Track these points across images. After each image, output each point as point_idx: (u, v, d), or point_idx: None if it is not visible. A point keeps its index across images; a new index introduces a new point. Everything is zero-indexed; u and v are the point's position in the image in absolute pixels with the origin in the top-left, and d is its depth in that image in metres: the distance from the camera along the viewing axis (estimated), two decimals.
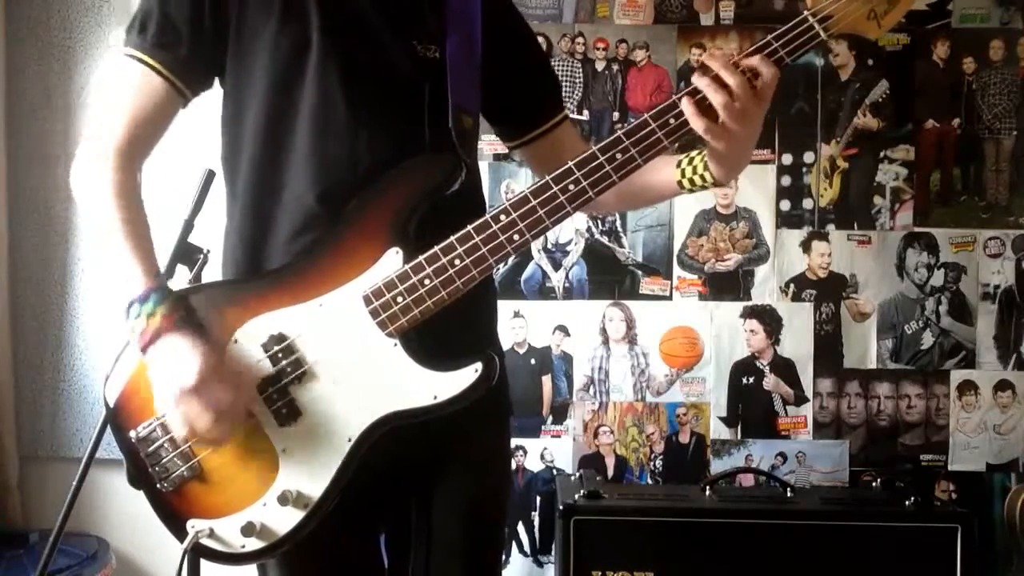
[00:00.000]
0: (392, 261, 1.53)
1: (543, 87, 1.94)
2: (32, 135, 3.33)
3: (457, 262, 1.52)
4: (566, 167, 1.52)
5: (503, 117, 1.91)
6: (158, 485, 1.54)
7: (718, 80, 1.47)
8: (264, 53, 1.59)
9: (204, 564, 1.63)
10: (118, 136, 1.57)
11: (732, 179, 1.64)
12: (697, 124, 1.49)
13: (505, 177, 3.31)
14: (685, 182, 1.69)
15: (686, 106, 1.49)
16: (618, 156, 1.51)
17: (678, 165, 1.69)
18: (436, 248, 1.52)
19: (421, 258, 1.52)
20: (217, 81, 1.68)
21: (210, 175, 2.15)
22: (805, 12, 1.49)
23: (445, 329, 1.56)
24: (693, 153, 1.67)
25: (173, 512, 1.55)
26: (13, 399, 3.32)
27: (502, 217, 1.52)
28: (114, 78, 1.63)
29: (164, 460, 1.54)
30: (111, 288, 3.17)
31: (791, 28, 1.49)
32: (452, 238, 1.52)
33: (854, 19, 1.50)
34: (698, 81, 1.48)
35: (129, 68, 1.60)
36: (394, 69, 1.64)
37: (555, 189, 1.52)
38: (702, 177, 1.66)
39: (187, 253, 2.11)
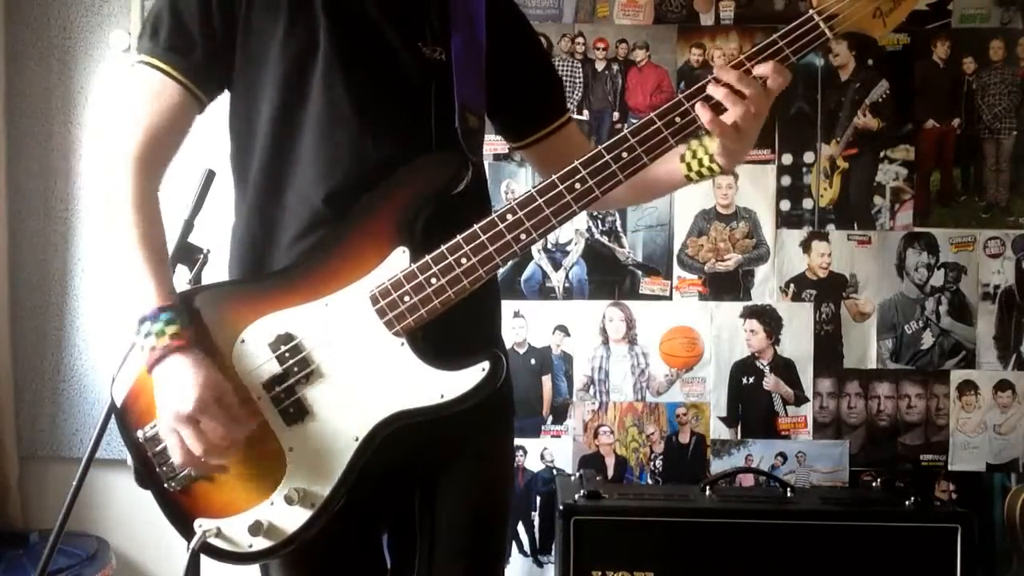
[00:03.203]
0: (399, 261, 1.53)
1: (547, 89, 1.95)
2: (32, 135, 3.33)
3: (464, 261, 1.52)
4: (572, 166, 1.52)
5: (507, 118, 1.91)
6: (165, 484, 1.55)
7: (735, 91, 1.48)
8: (271, 55, 1.60)
9: (204, 563, 1.62)
10: (136, 144, 1.56)
11: (737, 165, 1.67)
12: (713, 128, 1.51)
13: (505, 177, 3.31)
14: (693, 175, 1.70)
15: (702, 112, 1.50)
16: (624, 155, 1.52)
17: (682, 159, 1.70)
18: (443, 248, 1.52)
19: (428, 258, 1.52)
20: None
21: (210, 175, 2.15)
22: (811, 11, 1.50)
23: (451, 328, 1.56)
24: (694, 145, 1.67)
25: (180, 511, 1.56)
26: (13, 399, 3.32)
27: (508, 216, 1.52)
28: (129, 86, 1.62)
29: (172, 459, 1.53)
30: (111, 288, 3.18)
31: (797, 27, 1.50)
32: (459, 237, 1.52)
33: (860, 18, 1.51)
34: (715, 91, 1.49)
35: (144, 75, 1.59)
36: (400, 71, 1.64)
37: (561, 188, 1.52)
38: (709, 168, 1.67)
39: (187, 253, 2.10)
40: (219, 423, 1.46)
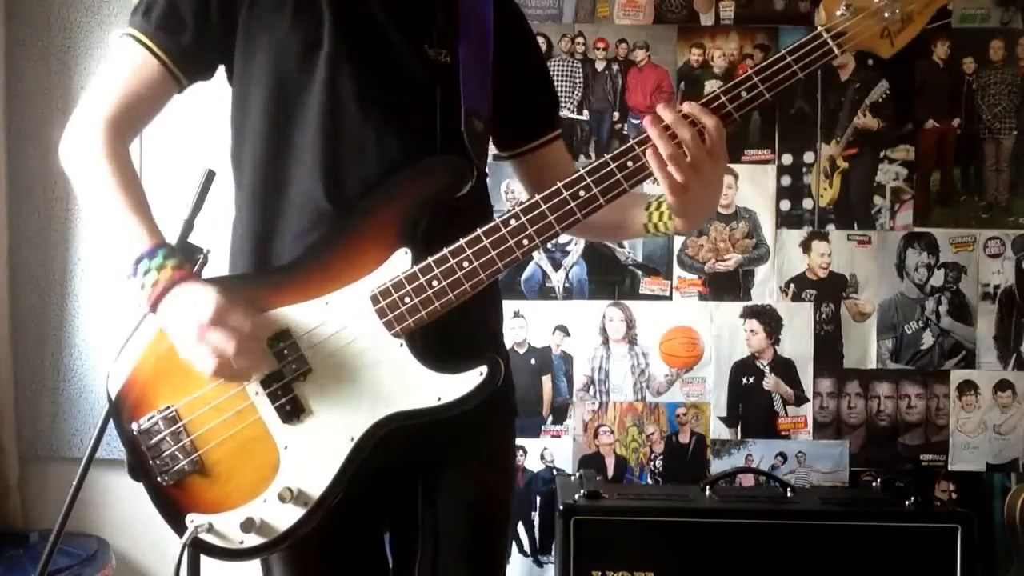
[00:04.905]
0: (400, 262, 1.53)
1: (544, 100, 1.96)
2: (32, 136, 3.33)
3: (466, 264, 1.52)
4: (577, 174, 1.53)
5: (502, 125, 1.91)
6: (158, 478, 1.54)
7: (669, 132, 1.49)
8: (274, 51, 1.60)
9: (205, 561, 1.62)
10: (109, 111, 1.58)
11: (692, 231, 1.68)
12: (660, 175, 1.51)
13: (505, 177, 3.30)
14: (651, 226, 1.74)
15: (650, 155, 1.50)
16: (629, 164, 1.52)
17: (647, 208, 1.74)
18: (445, 250, 1.52)
19: (430, 259, 1.52)
20: (226, 77, 1.69)
21: (210, 175, 2.15)
22: (819, 28, 1.51)
23: (451, 331, 1.56)
24: (661, 197, 1.68)
25: (172, 506, 1.55)
26: (13, 399, 3.32)
27: (512, 221, 1.52)
28: (113, 56, 1.64)
29: (165, 453, 1.54)
30: (111, 288, 3.18)
31: (805, 43, 1.51)
32: (462, 240, 1.52)
33: (867, 37, 1.52)
34: (650, 130, 1.49)
35: (129, 48, 1.60)
36: (404, 72, 1.64)
37: (566, 195, 1.52)
38: (665, 225, 1.72)
39: (187, 253, 2.10)
40: (245, 313, 1.48)
